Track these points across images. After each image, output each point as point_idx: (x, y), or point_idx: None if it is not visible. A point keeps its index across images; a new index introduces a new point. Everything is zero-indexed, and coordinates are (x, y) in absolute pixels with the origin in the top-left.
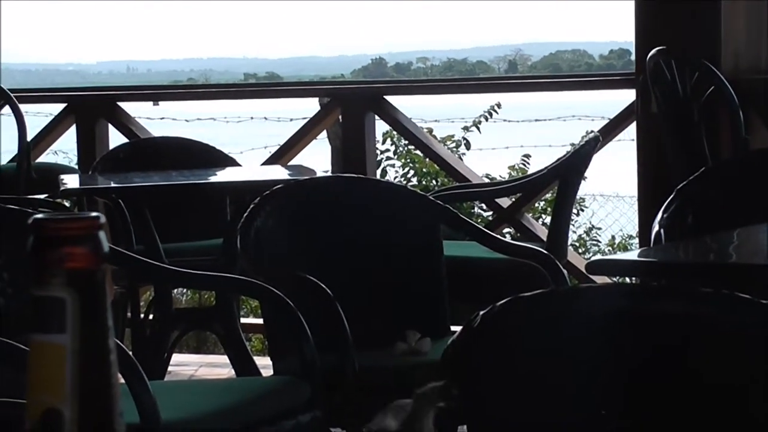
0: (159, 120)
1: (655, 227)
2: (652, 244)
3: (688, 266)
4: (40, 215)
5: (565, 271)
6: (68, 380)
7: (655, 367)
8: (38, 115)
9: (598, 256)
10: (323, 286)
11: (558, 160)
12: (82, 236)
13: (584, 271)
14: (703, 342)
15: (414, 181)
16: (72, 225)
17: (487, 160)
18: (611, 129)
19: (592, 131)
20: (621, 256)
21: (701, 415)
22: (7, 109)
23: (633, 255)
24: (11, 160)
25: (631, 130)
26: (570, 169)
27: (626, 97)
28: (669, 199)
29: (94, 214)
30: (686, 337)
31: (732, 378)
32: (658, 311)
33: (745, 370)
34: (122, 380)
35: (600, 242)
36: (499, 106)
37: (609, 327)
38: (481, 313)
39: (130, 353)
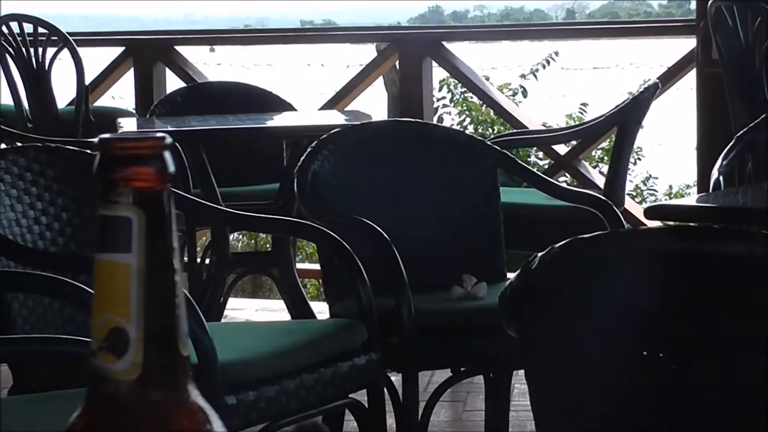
0: (216, 66)
1: (714, 174)
2: (711, 191)
3: (747, 211)
4: (107, 135)
5: (622, 218)
6: (133, 299)
7: (713, 308)
8: (96, 59)
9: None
10: (380, 229)
11: (617, 106)
12: (148, 156)
13: (641, 217)
14: (764, 284)
15: (470, 129)
16: (139, 144)
17: (544, 109)
18: (670, 77)
19: (650, 79)
20: (680, 201)
21: (757, 356)
22: (66, 53)
23: (692, 200)
24: (69, 104)
25: (689, 80)
26: (628, 116)
27: (684, 47)
28: (729, 146)
29: (160, 134)
30: (747, 279)
31: None
32: (719, 253)
33: None
34: None
35: (657, 191)
36: (557, 54)
37: (668, 269)
38: (539, 254)
39: (188, 294)
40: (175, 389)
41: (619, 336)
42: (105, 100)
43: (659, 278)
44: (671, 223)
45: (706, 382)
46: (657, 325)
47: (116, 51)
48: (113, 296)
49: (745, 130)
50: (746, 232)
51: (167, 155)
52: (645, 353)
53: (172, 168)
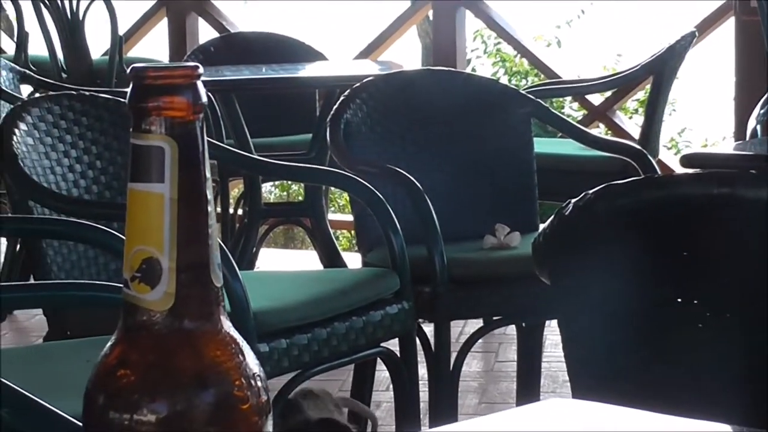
0: (249, 16)
1: (752, 122)
2: (748, 139)
3: None
4: (140, 64)
5: (657, 168)
6: (166, 229)
7: (747, 252)
8: (130, 10)
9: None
10: (412, 178)
11: (652, 55)
12: (180, 85)
13: (676, 168)
14: None
15: (504, 80)
16: (171, 73)
17: (580, 60)
18: (708, 25)
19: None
20: (716, 149)
21: None
22: (100, 3)
23: (728, 148)
24: (104, 54)
25: (729, 31)
26: (664, 65)
27: None
28: (767, 94)
29: (192, 63)
30: None
31: None
32: (754, 198)
33: None
34: None
35: (691, 143)
36: (591, 4)
37: (702, 214)
38: (573, 201)
39: (220, 242)
40: (208, 320)
41: (651, 280)
42: (138, 51)
43: (693, 223)
44: None
45: (731, 330)
46: (688, 271)
47: (150, 2)
48: (146, 226)
49: None
50: None
51: (199, 85)
52: (677, 299)
53: (204, 98)
